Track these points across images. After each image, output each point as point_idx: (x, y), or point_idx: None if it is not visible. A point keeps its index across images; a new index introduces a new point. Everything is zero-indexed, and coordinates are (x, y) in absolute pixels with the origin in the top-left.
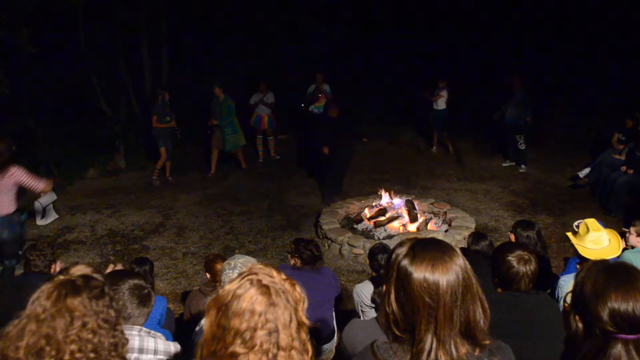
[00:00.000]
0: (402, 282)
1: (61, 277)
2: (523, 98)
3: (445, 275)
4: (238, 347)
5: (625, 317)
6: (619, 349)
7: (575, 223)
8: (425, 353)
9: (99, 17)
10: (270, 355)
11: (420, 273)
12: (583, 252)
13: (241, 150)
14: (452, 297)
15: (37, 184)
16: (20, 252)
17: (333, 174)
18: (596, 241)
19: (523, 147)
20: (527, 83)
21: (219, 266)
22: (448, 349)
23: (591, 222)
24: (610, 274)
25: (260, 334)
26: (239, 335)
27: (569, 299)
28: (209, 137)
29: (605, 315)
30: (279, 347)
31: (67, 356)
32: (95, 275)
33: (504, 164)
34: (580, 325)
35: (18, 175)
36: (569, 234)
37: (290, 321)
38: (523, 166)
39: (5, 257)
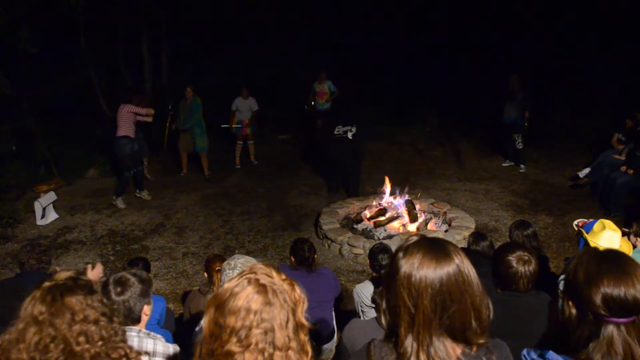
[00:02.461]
0: (391, 278)
1: (47, 283)
2: (522, 98)
3: (431, 274)
4: (234, 346)
5: (617, 301)
6: (611, 331)
7: (575, 222)
8: (407, 356)
9: (99, 17)
10: (266, 354)
11: (404, 269)
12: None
13: (206, 155)
14: (434, 299)
15: (142, 111)
16: (133, 168)
17: (351, 172)
18: (610, 240)
19: (521, 147)
20: (526, 83)
21: (215, 267)
22: (428, 350)
23: (608, 222)
24: (602, 261)
25: (256, 332)
26: (235, 334)
27: (561, 286)
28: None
29: (598, 300)
30: (275, 347)
31: (77, 347)
32: (80, 276)
33: (504, 164)
34: (573, 311)
35: (130, 107)
36: (581, 230)
37: (287, 321)
38: (522, 166)
39: (123, 169)
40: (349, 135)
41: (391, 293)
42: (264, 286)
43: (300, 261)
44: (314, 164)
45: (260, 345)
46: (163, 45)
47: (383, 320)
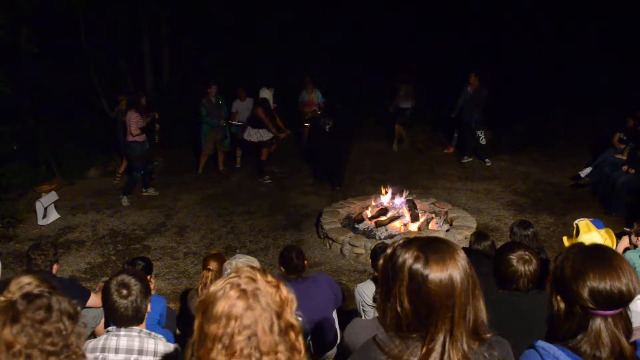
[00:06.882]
0: (418, 285)
1: (1, 298)
2: (481, 95)
3: (458, 275)
4: (219, 355)
5: (604, 294)
6: (598, 323)
7: (575, 222)
8: (437, 352)
9: (101, 17)
10: (253, 359)
11: (436, 275)
12: None
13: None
14: (466, 295)
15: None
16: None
17: (335, 165)
18: (590, 242)
19: (484, 142)
20: (484, 80)
21: (208, 265)
22: (460, 346)
23: (582, 224)
24: (588, 255)
25: (239, 339)
26: (218, 341)
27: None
28: (206, 141)
29: (585, 293)
30: (261, 352)
31: None
32: (39, 290)
33: (463, 161)
34: (562, 305)
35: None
36: (565, 239)
37: (272, 325)
38: (487, 160)
39: (133, 169)
40: (327, 128)
41: (422, 299)
42: (244, 291)
43: (289, 270)
44: (307, 161)
45: (246, 351)
46: (164, 45)
47: (388, 319)
